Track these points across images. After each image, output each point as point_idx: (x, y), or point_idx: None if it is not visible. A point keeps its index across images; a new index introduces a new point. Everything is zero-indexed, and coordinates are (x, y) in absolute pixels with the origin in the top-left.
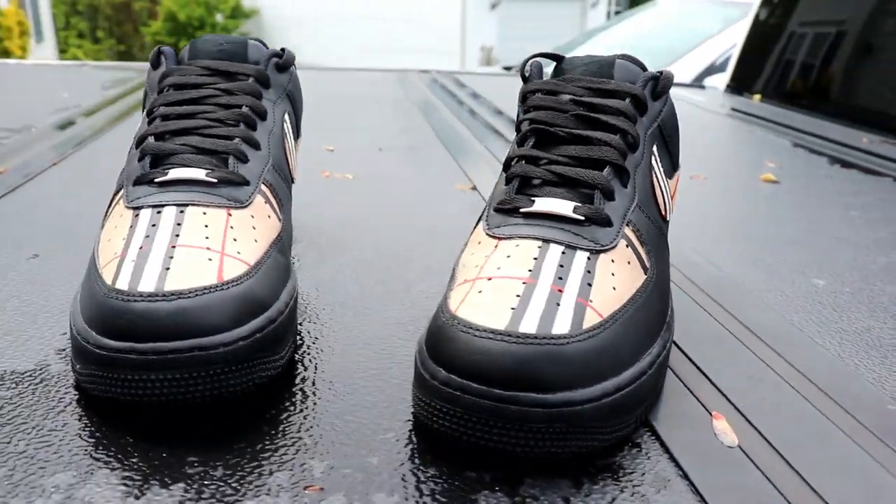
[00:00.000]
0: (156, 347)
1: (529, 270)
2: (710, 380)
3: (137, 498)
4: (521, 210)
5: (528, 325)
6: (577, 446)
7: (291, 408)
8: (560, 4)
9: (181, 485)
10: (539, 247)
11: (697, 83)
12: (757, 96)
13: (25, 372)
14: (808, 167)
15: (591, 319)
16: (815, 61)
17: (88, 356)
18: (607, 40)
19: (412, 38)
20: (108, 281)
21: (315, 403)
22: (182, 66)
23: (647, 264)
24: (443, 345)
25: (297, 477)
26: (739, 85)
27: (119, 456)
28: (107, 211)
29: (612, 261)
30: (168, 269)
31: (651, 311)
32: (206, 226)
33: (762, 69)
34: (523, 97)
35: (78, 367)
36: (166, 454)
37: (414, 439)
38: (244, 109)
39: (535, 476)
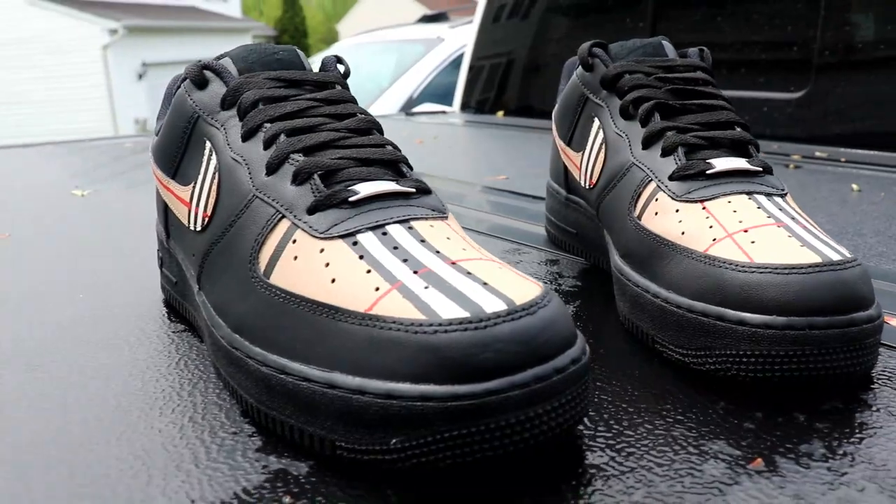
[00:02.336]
0: (539, 373)
1: (769, 216)
2: None
3: None
4: (707, 172)
5: (832, 255)
6: (877, 357)
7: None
8: None
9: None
10: (749, 199)
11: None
12: (500, 112)
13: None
14: None
15: (838, 245)
16: (528, 80)
17: (434, 416)
18: None
19: (63, 122)
20: (407, 314)
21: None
22: (248, 80)
23: None
24: (767, 292)
25: (729, 452)
26: (472, 105)
27: None
28: (250, 259)
29: (791, 200)
30: (485, 283)
31: None
32: (448, 238)
33: (491, 91)
34: (610, 82)
35: (396, 440)
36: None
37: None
38: (361, 116)
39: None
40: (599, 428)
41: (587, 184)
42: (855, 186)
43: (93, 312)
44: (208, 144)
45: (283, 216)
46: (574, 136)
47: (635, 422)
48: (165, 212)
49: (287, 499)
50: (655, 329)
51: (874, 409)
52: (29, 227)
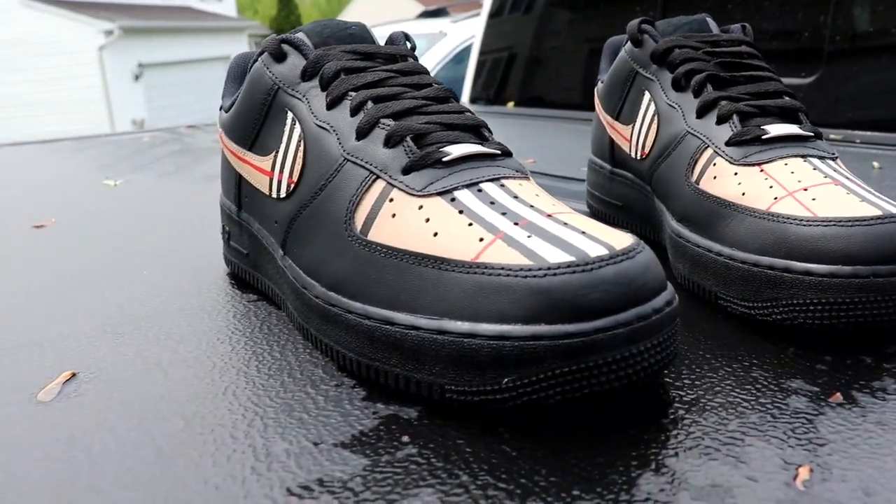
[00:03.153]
0: (640, 312)
1: (825, 177)
2: None
3: None
4: (763, 138)
5: (891, 209)
6: None
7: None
8: (204, 66)
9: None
10: (804, 162)
11: None
12: (510, 103)
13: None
14: None
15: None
16: (537, 71)
17: (546, 354)
18: None
19: (59, 123)
20: (514, 261)
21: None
22: (326, 52)
23: None
24: (832, 243)
25: (808, 388)
26: (482, 97)
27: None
28: (345, 219)
29: (842, 163)
30: (584, 232)
31: None
32: (538, 195)
33: (500, 82)
34: (660, 56)
35: (508, 380)
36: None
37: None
38: (437, 86)
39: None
40: (683, 371)
41: (639, 154)
42: (876, 164)
43: (162, 286)
44: (290, 114)
45: (378, 177)
46: (623, 110)
47: (714, 366)
48: (238, 184)
49: (405, 438)
50: (719, 285)
51: None
52: (72, 213)
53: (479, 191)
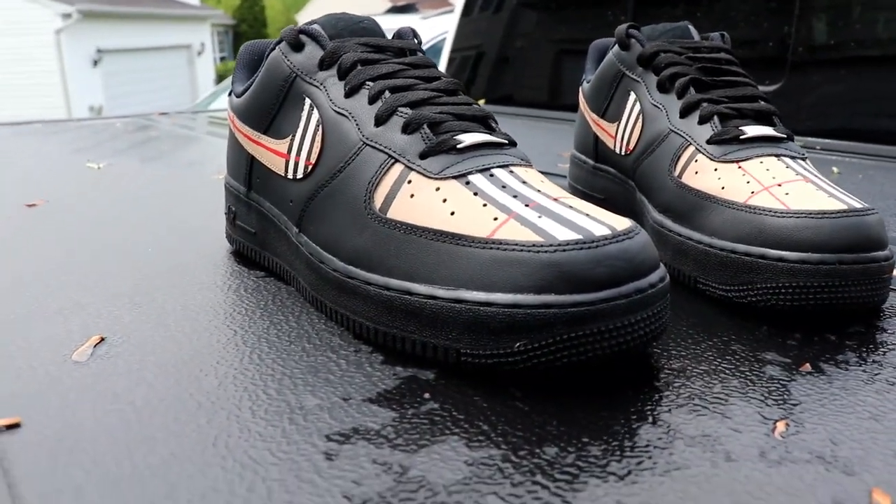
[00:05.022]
0: (638, 285)
1: (797, 174)
2: None
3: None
4: (741, 138)
5: (855, 204)
6: (888, 291)
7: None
8: (165, 54)
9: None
10: (778, 160)
11: None
12: (481, 101)
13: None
14: None
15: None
16: (507, 70)
17: (555, 321)
18: None
19: (14, 108)
20: (526, 238)
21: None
22: (343, 44)
23: None
24: (803, 233)
25: (781, 360)
26: None
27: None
28: (365, 198)
29: (810, 163)
30: (588, 214)
31: None
32: (542, 181)
33: (470, 80)
34: (646, 60)
35: (520, 344)
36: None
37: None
38: (446, 79)
39: (854, 325)
40: (669, 343)
41: (623, 150)
42: (835, 169)
43: (169, 263)
44: (308, 101)
45: (396, 160)
46: (609, 108)
47: (696, 339)
48: (249, 166)
49: (426, 395)
50: (699, 271)
51: (889, 332)
52: (61, 193)
53: (491, 175)
